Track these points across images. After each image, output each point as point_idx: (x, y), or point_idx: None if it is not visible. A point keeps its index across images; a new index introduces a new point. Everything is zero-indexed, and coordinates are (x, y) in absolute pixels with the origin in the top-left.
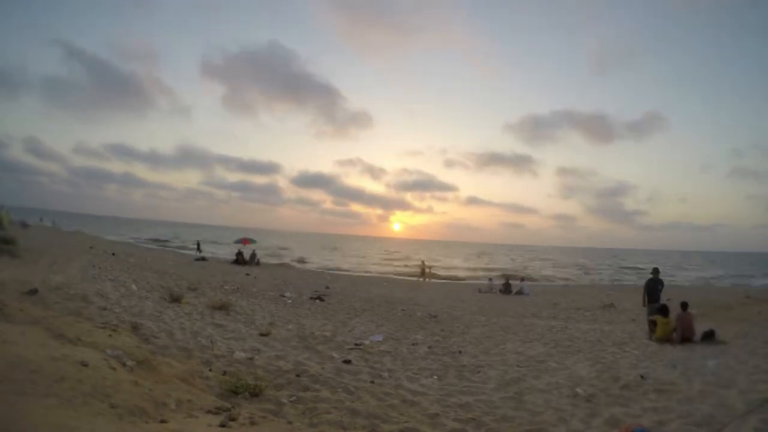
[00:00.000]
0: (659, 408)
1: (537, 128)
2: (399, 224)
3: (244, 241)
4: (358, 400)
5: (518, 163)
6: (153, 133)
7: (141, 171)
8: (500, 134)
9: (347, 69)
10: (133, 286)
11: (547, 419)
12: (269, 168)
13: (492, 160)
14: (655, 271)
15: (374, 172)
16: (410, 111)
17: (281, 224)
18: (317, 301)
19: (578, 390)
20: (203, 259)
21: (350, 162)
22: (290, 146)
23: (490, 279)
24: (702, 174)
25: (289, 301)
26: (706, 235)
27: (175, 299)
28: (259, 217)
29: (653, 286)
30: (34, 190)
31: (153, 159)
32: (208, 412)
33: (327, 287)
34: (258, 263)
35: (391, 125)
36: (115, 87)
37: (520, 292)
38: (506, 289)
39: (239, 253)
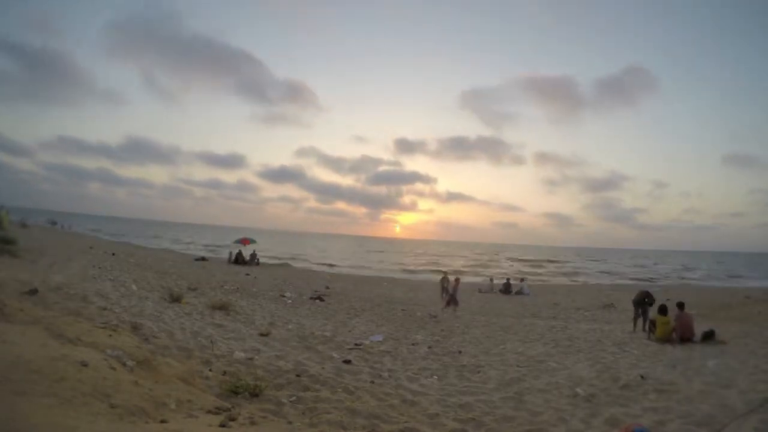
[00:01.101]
0: (659, 408)
1: (494, 101)
2: (392, 224)
3: (244, 241)
4: (358, 400)
5: (489, 148)
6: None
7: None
8: (458, 111)
9: (280, 44)
10: (133, 286)
11: (547, 419)
12: (231, 161)
13: (458, 145)
14: (648, 295)
15: (337, 163)
16: (353, 90)
17: (252, 221)
18: (317, 301)
19: (578, 390)
20: (203, 259)
21: (305, 151)
22: (244, 135)
23: (491, 279)
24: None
25: (289, 301)
26: (709, 235)
27: (175, 299)
28: (223, 214)
29: (640, 300)
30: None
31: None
32: (208, 412)
33: (327, 287)
34: (258, 263)
35: (338, 108)
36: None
37: (520, 292)
38: (506, 289)
39: (239, 253)
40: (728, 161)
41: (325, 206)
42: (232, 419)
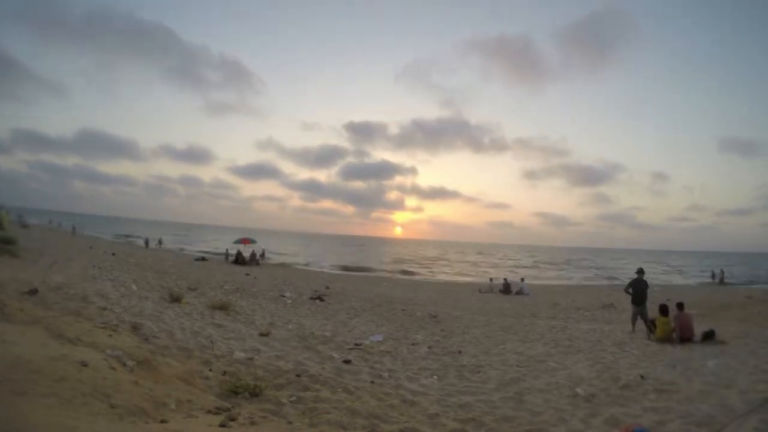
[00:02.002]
0: (659, 408)
1: (445, 72)
2: (383, 223)
3: (244, 240)
4: (358, 400)
5: (455, 132)
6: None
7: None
8: (409, 89)
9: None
10: (133, 286)
11: (547, 419)
12: (193, 155)
13: (420, 129)
14: (640, 271)
15: (302, 156)
16: (294, 73)
17: (236, 221)
18: (317, 301)
19: (578, 390)
20: (203, 259)
21: (263, 144)
22: (198, 127)
23: (491, 279)
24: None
25: (289, 301)
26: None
27: (175, 299)
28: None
29: (639, 287)
30: None
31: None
32: (208, 412)
33: (327, 287)
34: (258, 263)
35: (282, 92)
36: None
37: (520, 292)
38: (506, 289)
39: (239, 253)
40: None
41: (312, 205)
42: (232, 419)
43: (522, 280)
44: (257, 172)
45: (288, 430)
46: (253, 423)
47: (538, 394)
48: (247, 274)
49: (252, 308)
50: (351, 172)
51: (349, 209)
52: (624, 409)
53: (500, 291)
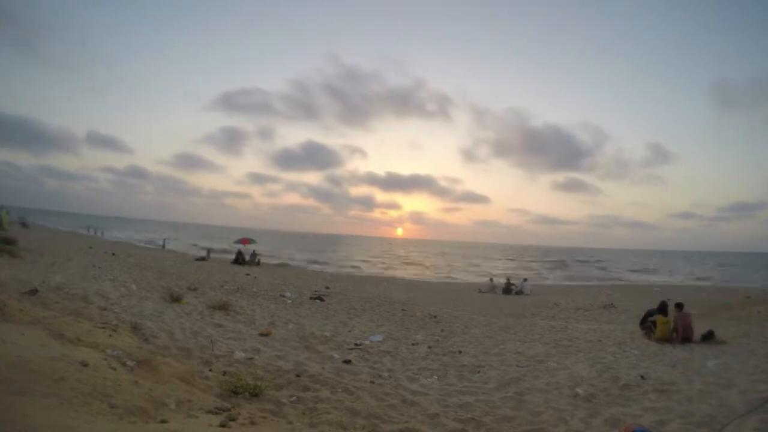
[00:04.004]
0: (659, 408)
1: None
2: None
3: (244, 240)
4: (358, 400)
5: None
6: None
7: None
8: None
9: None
10: (133, 286)
11: (547, 419)
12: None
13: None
14: (663, 307)
15: (227, 143)
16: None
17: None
18: (317, 301)
19: (578, 390)
20: (203, 259)
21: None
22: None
23: (491, 279)
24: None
25: (289, 301)
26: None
27: (175, 299)
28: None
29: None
30: None
31: None
32: (208, 412)
33: (327, 287)
34: (258, 263)
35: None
36: None
37: (520, 292)
38: (507, 288)
39: (239, 253)
40: None
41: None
42: (232, 419)
43: (525, 280)
44: (195, 164)
45: (288, 430)
46: (253, 423)
47: (538, 394)
48: (247, 274)
49: (252, 308)
50: (286, 157)
51: (323, 206)
52: (624, 409)
53: (501, 291)
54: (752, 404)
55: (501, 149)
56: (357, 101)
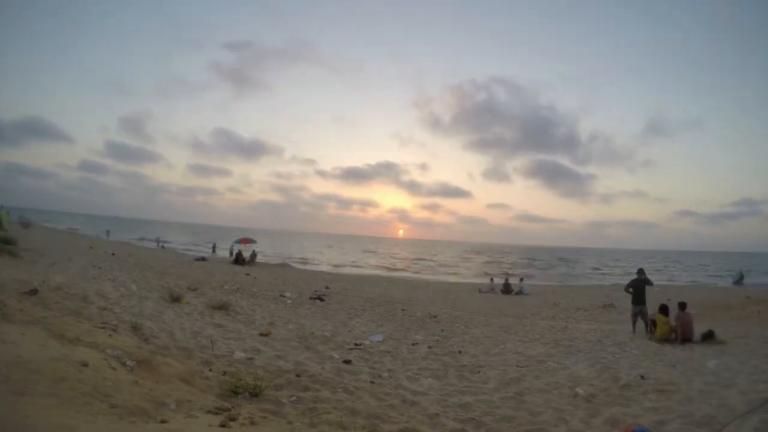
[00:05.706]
0: (659, 408)
1: None
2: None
3: (244, 240)
4: (358, 400)
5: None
6: None
7: None
8: None
9: None
10: (133, 286)
11: (547, 419)
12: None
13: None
14: (640, 271)
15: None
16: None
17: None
18: (317, 301)
19: (578, 390)
20: (203, 259)
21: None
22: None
23: (491, 279)
24: None
25: (289, 301)
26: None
27: (175, 299)
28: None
29: (638, 286)
30: None
31: None
32: (208, 412)
33: (327, 287)
34: (254, 258)
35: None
36: None
37: (519, 292)
38: (506, 289)
39: (239, 253)
40: None
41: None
42: (232, 419)
43: (522, 280)
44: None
45: (288, 430)
46: (253, 423)
47: (538, 394)
48: (247, 274)
49: (252, 308)
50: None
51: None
52: (624, 409)
53: (500, 291)
54: (752, 404)
55: None
56: None
